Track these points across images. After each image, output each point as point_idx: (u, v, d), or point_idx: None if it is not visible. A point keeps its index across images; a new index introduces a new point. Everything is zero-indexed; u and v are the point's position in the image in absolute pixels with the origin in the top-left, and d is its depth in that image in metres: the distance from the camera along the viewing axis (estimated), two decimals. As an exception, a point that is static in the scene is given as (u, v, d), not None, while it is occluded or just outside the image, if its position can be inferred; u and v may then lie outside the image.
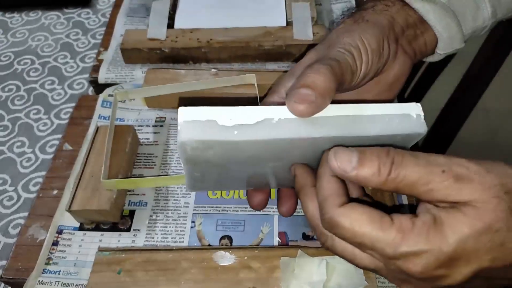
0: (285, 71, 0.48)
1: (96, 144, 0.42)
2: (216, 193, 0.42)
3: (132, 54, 0.53)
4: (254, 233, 0.39)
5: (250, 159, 0.28)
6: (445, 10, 0.33)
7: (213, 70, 0.49)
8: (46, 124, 0.55)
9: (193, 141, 0.24)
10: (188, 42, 0.52)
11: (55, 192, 0.43)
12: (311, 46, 0.51)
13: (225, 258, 0.36)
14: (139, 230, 0.40)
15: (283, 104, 0.26)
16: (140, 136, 0.46)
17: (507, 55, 0.67)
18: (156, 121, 0.48)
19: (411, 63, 0.34)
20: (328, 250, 0.28)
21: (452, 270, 0.23)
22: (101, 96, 0.50)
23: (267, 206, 0.40)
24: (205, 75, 0.49)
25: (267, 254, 0.36)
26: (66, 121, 0.50)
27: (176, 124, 0.26)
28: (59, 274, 0.37)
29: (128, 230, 0.40)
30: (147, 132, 0.47)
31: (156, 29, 0.53)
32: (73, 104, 0.54)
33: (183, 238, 0.39)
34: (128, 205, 0.41)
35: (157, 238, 0.39)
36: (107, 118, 0.48)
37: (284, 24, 0.55)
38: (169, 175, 0.43)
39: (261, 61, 0.54)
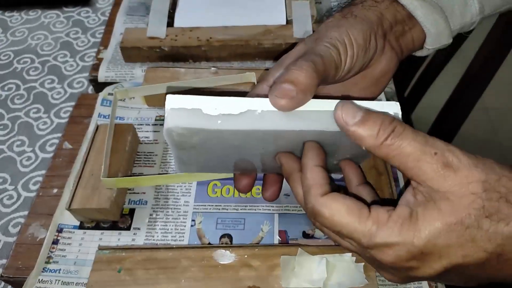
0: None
1: (96, 143, 0.42)
2: (216, 192, 0.42)
3: (131, 53, 0.53)
4: (254, 231, 0.39)
5: (234, 147, 0.29)
6: (433, 7, 0.34)
7: (212, 68, 0.49)
8: (46, 123, 0.55)
9: (179, 128, 0.26)
10: (187, 41, 0.52)
11: (55, 190, 0.43)
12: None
13: (225, 257, 0.36)
14: (139, 228, 0.40)
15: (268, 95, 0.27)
16: (140, 134, 0.46)
17: (507, 54, 0.67)
18: (156, 120, 0.48)
19: (397, 60, 0.34)
20: (320, 230, 0.29)
21: (424, 263, 0.24)
22: (101, 95, 0.50)
23: (267, 204, 0.41)
24: (205, 73, 0.49)
25: (267, 252, 0.36)
26: (66, 120, 0.50)
27: None
28: (59, 272, 0.37)
29: (128, 228, 0.40)
30: (147, 131, 0.47)
31: (156, 28, 0.53)
32: (73, 103, 0.53)
33: (183, 236, 0.39)
34: (128, 204, 0.41)
35: (157, 236, 0.39)
36: (107, 117, 0.48)
37: (284, 22, 0.55)
38: (169, 173, 0.43)
39: (260, 59, 0.54)
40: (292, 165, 0.30)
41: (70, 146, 0.46)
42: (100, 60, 0.55)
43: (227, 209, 0.41)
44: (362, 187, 0.31)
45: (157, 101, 0.48)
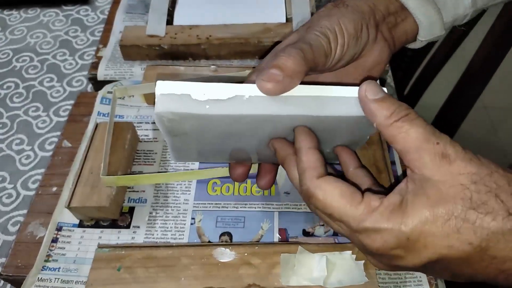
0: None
1: (95, 141, 0.42)
2: (216, 190, 0.42)
3: (131, 51, 0.53)
4: (254, 229, 0.39)
5: (225, 133, 0.30)
6: None
7: (212, 66, 0.49)
8: (45, 121, 0.55)
9: (169, 113, 0.26)
10: (187, 39, 0.52)
11: (54, 189, 0.43)
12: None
13: (225, 255, 0.36)
14: (138, 227, 0.40)
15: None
16: (139, 132, 0.46)
17: (506, 53, 0.67)
18: (155, 118, 0.48)
19: (390, 51, 0.34)
20: (314, 212, 0.30)
21: (409, 253, 0.24)
22: (100, 93, 0.50)
23: (267, 202, 0.41)
24: (204, 71, 0.48)
25: (267, 250, 0.36)
26: (65, 118, 0.50)
27: None
28: (58, 271, 0.37)
29: (128, 227, 0.40)
30: (147, 129, 0.47)
31: (155, 26, 0.53)
32: (72, 101, 0.53)
33: (183, 234, 0.39)
34: (128, 202, 0.41)
35: (157, 234, 0.39)
36: (106, 115, 0.48)
37: (284, 20, 0.55)
38: (168, 171, 0.43)
39: (260, 57, 0.54)
40: (286, 149, 0.30)
41: (69, 145, 0.46)
42: (100, 58, 0.54)
43: (227, 207, 0.41)
44: (359, 170, 0.32)
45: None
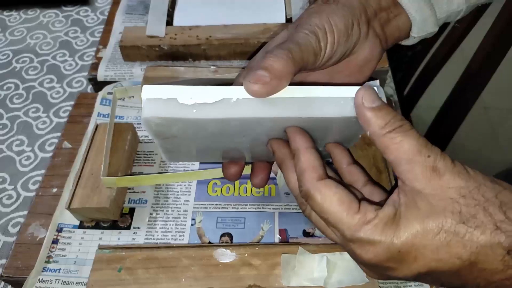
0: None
1: (96, 142, 0.42)
2: (216, 191, 0.42)
3: (131, 52, 0.53)
4: (254, 230, 0.39)
5: (215, 135, 0.29)
6: None
7: (212, 67, 0.49)
8: (45, 122, 0.55)
9: (156, 118, 0.26)
10: (187, 39, 0.52)
11: (55, 190, 0.43)
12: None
13: (226, 256, 0.36)
14: (139, 228, 0.40)
15: None
16: (139, 133, 0.46)
17: (506, 53, 0.67)
18: (155, 119, 0.48)
19: (382, 47, 0.34)
20: (307, 217, 0.30)
21: (400, 264, 0.24)
22: (100, 94, 0.50)
23: (268, 203, 0.41)
24: (204, 72, 0.49)
25: (268, 251, 0.36)
26: (65, 119, 0.50)
27: None
28: (59, 272, 0.37)
29: (128, 228, 0.40)
30: (147, 130, 0.47)
31: (155, 26, 0.53)
32: (72, 102, 0.53)
33: (183, 235, 0.39)
34: (128, 203, 0.41)
35: (157, 235, 0.39)
36: (106, 116, 0.48)
37: (284, 20, 0.55)
38: (169, 172, 0.43)
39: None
40: (284, 151, 0.30)
41: (69, 146, 0.46)
42: (99, 59, 0.54)
43: (227, 208, 0.41)
44: (353, 167, 0.31)
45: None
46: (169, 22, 0.55)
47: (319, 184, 0.26)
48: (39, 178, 0.48)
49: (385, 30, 0.34)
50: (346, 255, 0.34)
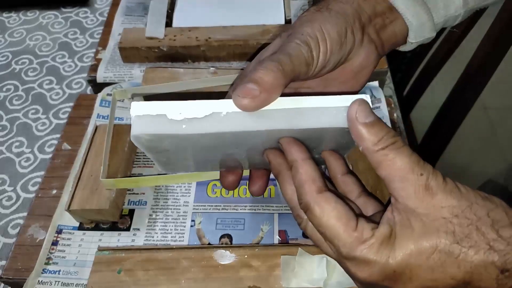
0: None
1: (95, 144, 0.42)
2: (215, 192, 0.42)
3: (130, 53, 0.53)
4: (254, 231, 0.39)
5: (207, 148, 0.29)
6: None
7: (211, 68, 0.49)
8: (45, 123, 0.55)
9: (145, 135, 0.26)
10: (186, 41, 0.52)
11: (54, 191, 0.43)
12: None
13: (225, 257, 0.36)
14: (138, 229, 0.40)
15: None
16: (139, 135, 0.46)
17: (505, 53, 0.67)
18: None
19: (377, 53, 0.33)
20: (303, 230, 0.30)
21: (395, 284, 0.24)
22: (100, 96, 0.50)
23: (267, 204, 0.41)
24: (203, 73, 0.49)
25: (267, 252, 0.36)
26: (65, 120, 0.50)
27: None
28: (59, 274, 0.37)
29: (128, 229, 0.40)
30: (146, 131, 0.47)
31: (154, 28, 0.53)
32: (71, 104, 0.53)
33: (183, 237, 0.39)
34: (128, 204, 0.41)
35: (157, 237, 0.39)
36: (105, 118, 0.48)
37: (283, 21, 0.55)
38: (168, 174, 0.43)
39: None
40: (280, 162, 0.30)
41: (69, 147, 0.46)
42: (99, 60, 0.54)
43: (226, 209, 0.41)
44: (348, 177, 0.31)
45: (155, 97, 0.48)
46: (168, 23, 0.55)
47: (319, 198, 0.26)
48: (39, 179, 0.48)
49: (381, 35, 0.33)
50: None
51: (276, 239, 0.39)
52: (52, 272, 0.37)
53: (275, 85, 0.26)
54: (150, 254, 0.36)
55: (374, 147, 0.25)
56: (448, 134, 0.82)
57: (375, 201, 0.29)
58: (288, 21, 0.55)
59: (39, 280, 0.36)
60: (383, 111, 0.47)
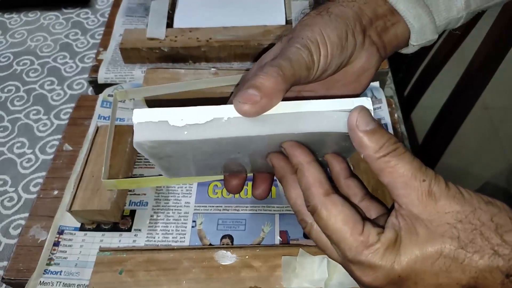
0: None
1: (96, 144, 0.42)
2: (216, 193, 0.42)
3: (131, 54, 0.53)
4: (255, 232, 0.39)
5: (210, 153, 0.29)
6: (417, 0, 0.33)
7: (212, 69, 0.49)
8: (46, 124, 0.55)
9: (147, 141, 0.26)
10: (187, 42, 0.52)
11: (56, 192, 0.43)
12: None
13: (227, 258, 0.36)
14: (140, 230, 0.40)
15: None
16: (140, 136, 0.46)
17: (506, 52, 0.67)
18: (156, 121, 0.48)
19: (379, 56, 0.33)
20: (307, 234, 0.29)
21: None
22: (101, 96, 0.50)
23: (268, 205, 0.41)
24: (204, 74, 0.49)
25: (268, 253, 0.36)
26: (66, 121, 0.50)
27: None
28: (60, 274, 0.37)
29: (129, 230, 0.40)
30: (147, 132, 0.47)
31: (155, 29, 0.53)
32: (72, 105, 0.53)
33: (184, 237, 0.39)
34: (129, 205, 0.41)
35: (158, 237, 0.39)
36: (107, 118, 0.48)
37: (284, 22, 0.55)
38: (169, 174, 0.43)
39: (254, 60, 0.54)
40: (284, 166, 0.30)
41: (70, 148, 0.46)
42: (100, 61, 0.55)
43: (228, 210, 0.41)
44: (351, 180, 0.31)
45: (157, 102, 0.48)
46: (169, 24, 0.56)
47: (326, 200, 0.26)
48: (40, 180, 0.48)
49: (383, 38, 0.33)
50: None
51: (277, 239, 0.39)
52: (54, 273, 0.37)
53: (276, 90, 0.26)
54: (151, 254, 0.36)
55: (375, 155, 0.24)
56: (449, 134, 0.82)
57: (378, 204, 0.29)
58: (288, 22, 0.55)
59: (40, 281, 0.37)
60: (384, 111, 0.47)
